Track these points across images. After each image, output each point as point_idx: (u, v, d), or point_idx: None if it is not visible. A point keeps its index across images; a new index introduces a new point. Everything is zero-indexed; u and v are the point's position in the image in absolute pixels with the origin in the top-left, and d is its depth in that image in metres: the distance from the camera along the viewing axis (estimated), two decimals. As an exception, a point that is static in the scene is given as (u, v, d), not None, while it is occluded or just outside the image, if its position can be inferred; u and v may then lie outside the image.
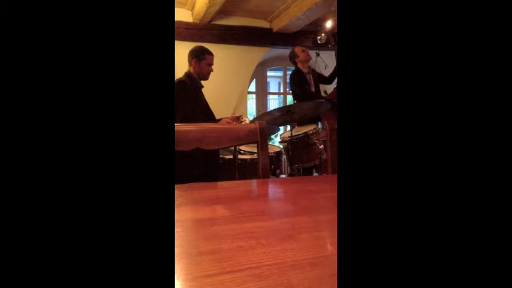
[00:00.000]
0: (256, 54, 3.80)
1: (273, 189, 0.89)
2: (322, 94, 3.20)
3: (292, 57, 2.96)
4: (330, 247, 0.44)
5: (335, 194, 0.79)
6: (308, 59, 2.94)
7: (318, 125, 2.46)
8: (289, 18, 3.35)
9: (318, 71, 3.23)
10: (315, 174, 2.46)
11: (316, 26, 3.57)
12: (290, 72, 3.05)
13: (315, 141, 2.28)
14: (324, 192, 0.83)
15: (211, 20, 3.47)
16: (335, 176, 1.12)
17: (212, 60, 2.31)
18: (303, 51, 2.92)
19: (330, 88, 3.63)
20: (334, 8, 3.04)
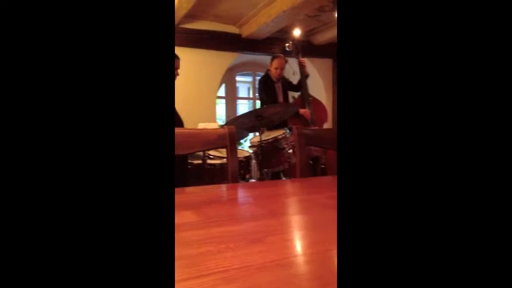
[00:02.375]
0: (225, 59, 3.80)
1: (242, 193, 0.90)
2: (291, 100, 3.26)
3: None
4: (297, 248, 0.45)
5: (303, 197, 0.80)
6: (275, 77, 2.97)
7: (286, 130, 2.50)
8: (258, 25, 3.38)
9: (287, 77, 3.28)
10: (283, 178, 2.49)
11: (284, 33, 3.65)
12: (259, 77, 3.08)
13: (284, 145, 2.31)
14: (291, 195, 0.84)
15: (178, 24, 3.43)
16: (303, 180, 1.14)
17: (178, 64, 2.26)
18: (276, 69, 2.94)
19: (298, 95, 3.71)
20: (302, 16, 3.12)
